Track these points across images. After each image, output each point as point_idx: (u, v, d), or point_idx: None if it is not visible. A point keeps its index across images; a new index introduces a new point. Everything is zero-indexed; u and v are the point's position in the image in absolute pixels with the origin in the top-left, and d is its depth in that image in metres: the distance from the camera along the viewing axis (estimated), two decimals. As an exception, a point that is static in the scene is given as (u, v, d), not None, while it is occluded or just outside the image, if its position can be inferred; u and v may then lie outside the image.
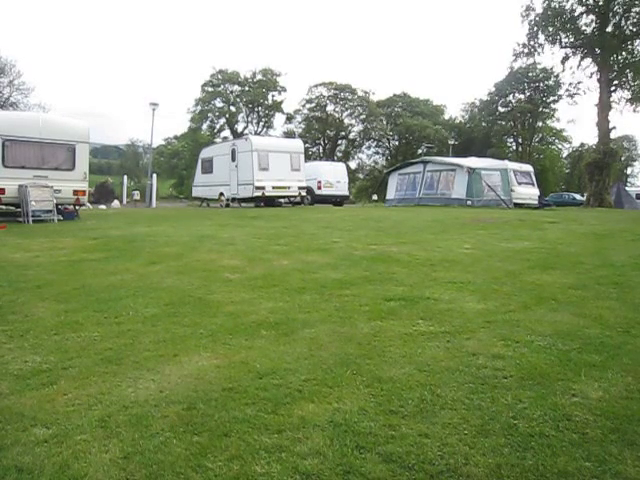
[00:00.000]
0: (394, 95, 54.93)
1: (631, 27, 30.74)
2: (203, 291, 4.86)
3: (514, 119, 52.20)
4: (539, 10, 32.31)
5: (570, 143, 55.10)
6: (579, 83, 36.43)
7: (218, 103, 51.74)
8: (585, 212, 18.92)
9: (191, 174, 32.29)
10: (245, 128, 52.36)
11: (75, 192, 13.18)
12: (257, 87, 50.96)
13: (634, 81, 32.13)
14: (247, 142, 21.38)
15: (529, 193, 22.88)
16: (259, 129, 52.42)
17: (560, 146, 56.95)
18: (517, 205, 20.85)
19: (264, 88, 51.09)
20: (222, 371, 2.89)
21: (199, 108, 51.34)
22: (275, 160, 20.63)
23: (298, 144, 23.36)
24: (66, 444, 2.13)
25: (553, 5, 31.63)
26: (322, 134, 54.85)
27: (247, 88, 51.22)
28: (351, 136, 55.77)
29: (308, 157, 37.96)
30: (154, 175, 26.09)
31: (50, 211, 12.48)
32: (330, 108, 54.02)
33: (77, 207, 13.64)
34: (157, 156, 47.30)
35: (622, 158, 48.40)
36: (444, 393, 2.54)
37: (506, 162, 25.01)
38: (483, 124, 52.92)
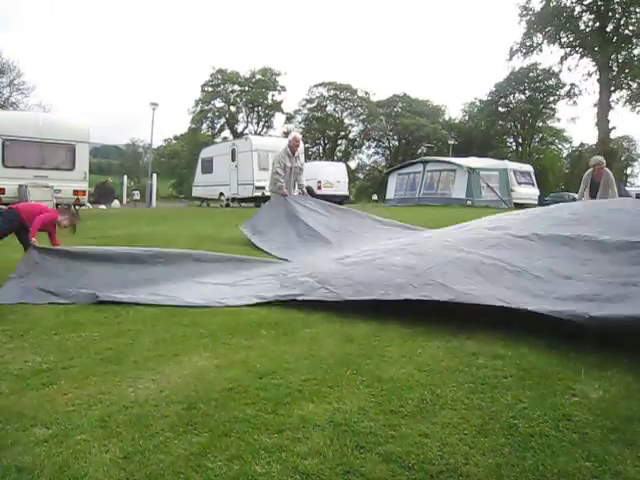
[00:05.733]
0: (394, 95, 54.94)
1: (630, 27, 30.78)
2: (203, 291, 4.84)
3: (514, 119, 52.16)
4: (537, 9, 32.37)
5: (570, 143, 55.05)
6: (575, 86, 36.48)
7: (218, 103, 51.72)
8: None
9: (191, 174, 32.29)
10: (245, 128, 52.36)
11: (75, 192, 13.19)
12: (257, 87, 50.92)
13: (633, 81, 32.15)
14: (247, 142, 21.40)
15: (529, 193, 22.93)
16: (259, 129, 52.40)
17: (560, 146, 56.86)
18: (517, 205, 20.88)
19: (264, 88, 51.05)
20: (222, 371, 2.89)
21: (199, 108, 51.32)
22: (275, 160, 20.60)
23: (298, 144, 23.35)
24: (66, 444, 2.13)
25: (551, 4, 31.66)
26: (322, 134, 54.84)
27: (247, 88, 51.18)
28: (351, 136, 55.78)
29: (308, 157, 37.94)
30: (154, 175, 26.09)
31: (50, 211, 12.48)
32: (330, 108, 54.01)
33: (77, 207, 13.66)
34: (157, 156, 47.28)
35: (622, 158, 48.38)
36: (444, 393, 2.54)
37: (506, 162, 25.06)
38: (483, 124, 52.89)
